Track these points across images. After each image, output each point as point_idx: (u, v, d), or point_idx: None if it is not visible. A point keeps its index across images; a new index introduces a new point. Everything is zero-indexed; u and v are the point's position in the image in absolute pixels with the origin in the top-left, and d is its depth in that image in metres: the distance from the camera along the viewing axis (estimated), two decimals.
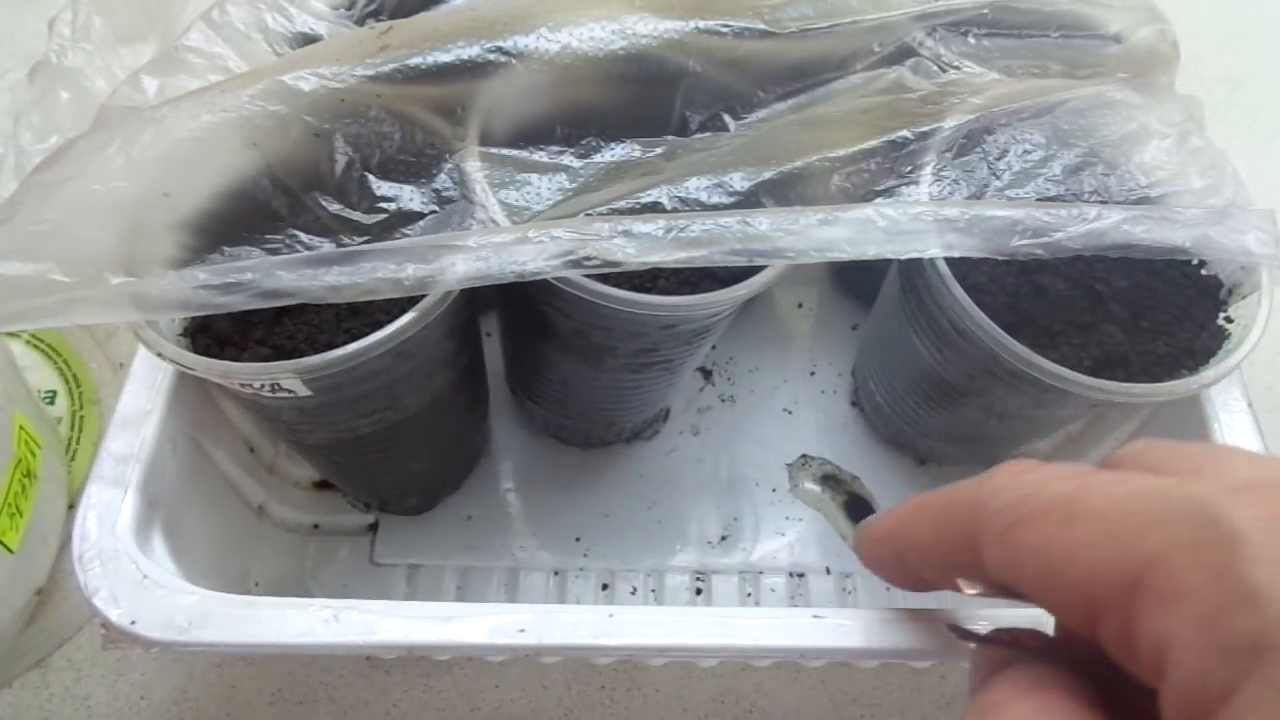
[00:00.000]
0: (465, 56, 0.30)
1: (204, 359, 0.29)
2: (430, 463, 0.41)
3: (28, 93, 0.28)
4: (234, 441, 0.41)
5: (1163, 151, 0.33)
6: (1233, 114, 0.62)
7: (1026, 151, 0.33)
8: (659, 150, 0.31)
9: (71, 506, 0.44)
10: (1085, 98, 0.33)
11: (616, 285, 0.30)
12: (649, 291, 0.30)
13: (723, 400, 0.48)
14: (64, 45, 0.29)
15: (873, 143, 0.31)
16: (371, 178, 0.29)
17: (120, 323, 0.27)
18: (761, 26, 0.32)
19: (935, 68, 0.33)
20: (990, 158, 0.32)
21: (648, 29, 0.31)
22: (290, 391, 0.30)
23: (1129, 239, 0.28)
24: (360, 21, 0.34)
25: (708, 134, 0.32)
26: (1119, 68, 0.34)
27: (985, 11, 0.34)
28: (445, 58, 0.30)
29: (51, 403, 0.46)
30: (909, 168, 0.31)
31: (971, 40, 0.34)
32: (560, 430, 0.46)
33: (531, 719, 0.40)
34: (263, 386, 0.29)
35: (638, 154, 0.31)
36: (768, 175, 0.29)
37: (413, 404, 0.34)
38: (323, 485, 0.45)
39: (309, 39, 0.32)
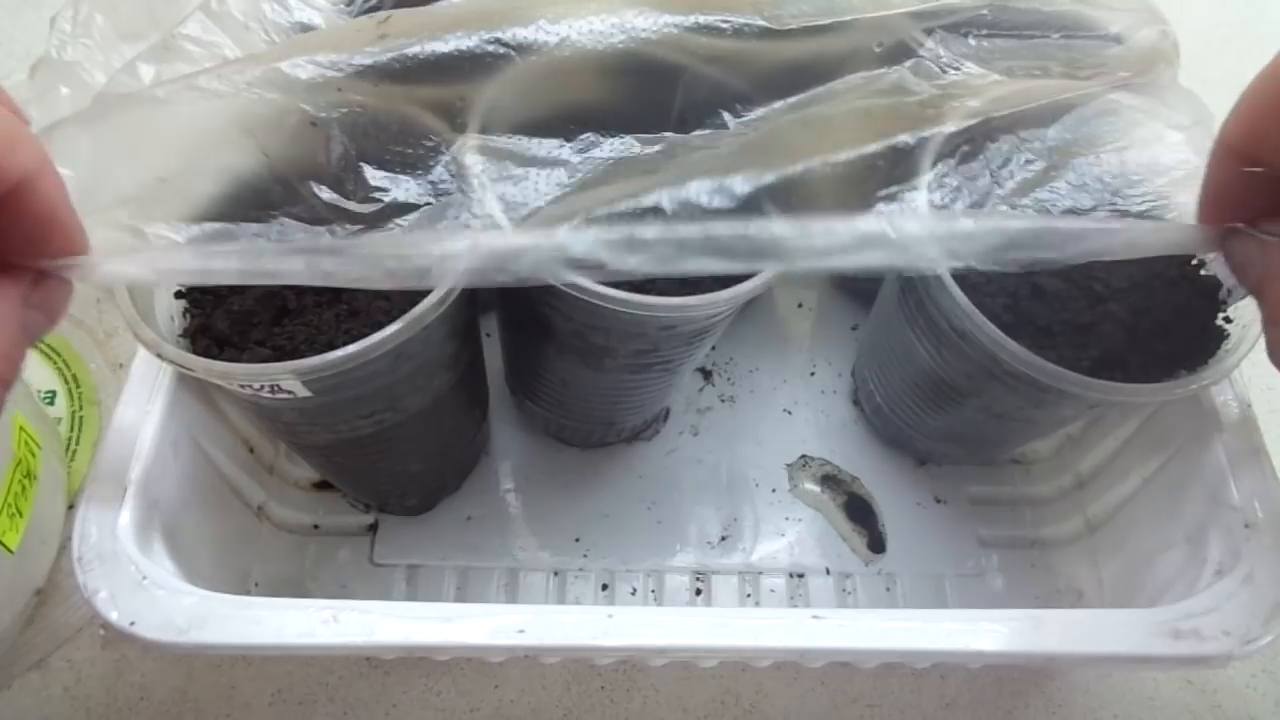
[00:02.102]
0: (464, 48, 0.30)
1: (203, 360, 0.29)
2: (430, 463, 0.41)
3: (28, 89, 0.28)
4: (234, 442, 0.41)
5: (1166, 154, 0.33)
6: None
7: (1029, 160, 0.33)
8: (658, 147, 0.31)
9: (71, 507, 0.44)
10: (1089, 100, 0.33)
11: (615, 286, 0.30)
12: (648, 292, 0.30)
13: (722, 401, 0.48)
14: (64, 40, 0.29)
15: (873, 147, 0.31)
16: (367, 167, 0.29)
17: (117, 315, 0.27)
18: (761, 23, 0.32)
19: (936, 69, 0.33)
20: (993, 164, 0.32)
21: (647, 24, 0.31)
22: (290, 392, 0.30)
23: (1136, 246, 0.28)
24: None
25: (707, 131, 0.32)
26: (1120, 68, 0.34)
27: (984, 12, 0.34)
28: (444, 49, 0.30)
29: (51, 403, 0.46)
30: (910, 173, 0.31)
31: (972, 41, 0.34)
32: (560, 431, 0.46)
33: (531, 719, 0.40)
34: (262, 388, 0.29)
35: (636, 150, 0.31)
36: (768, 179, 0.29)
37: (412, 405, 0.34)
38: (322, 486, 0.45)
39: (306, 30, 0.32)
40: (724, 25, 0.31)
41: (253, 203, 0.28)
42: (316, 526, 0.44)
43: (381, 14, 0.30)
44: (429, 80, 0.30)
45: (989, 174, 0.32)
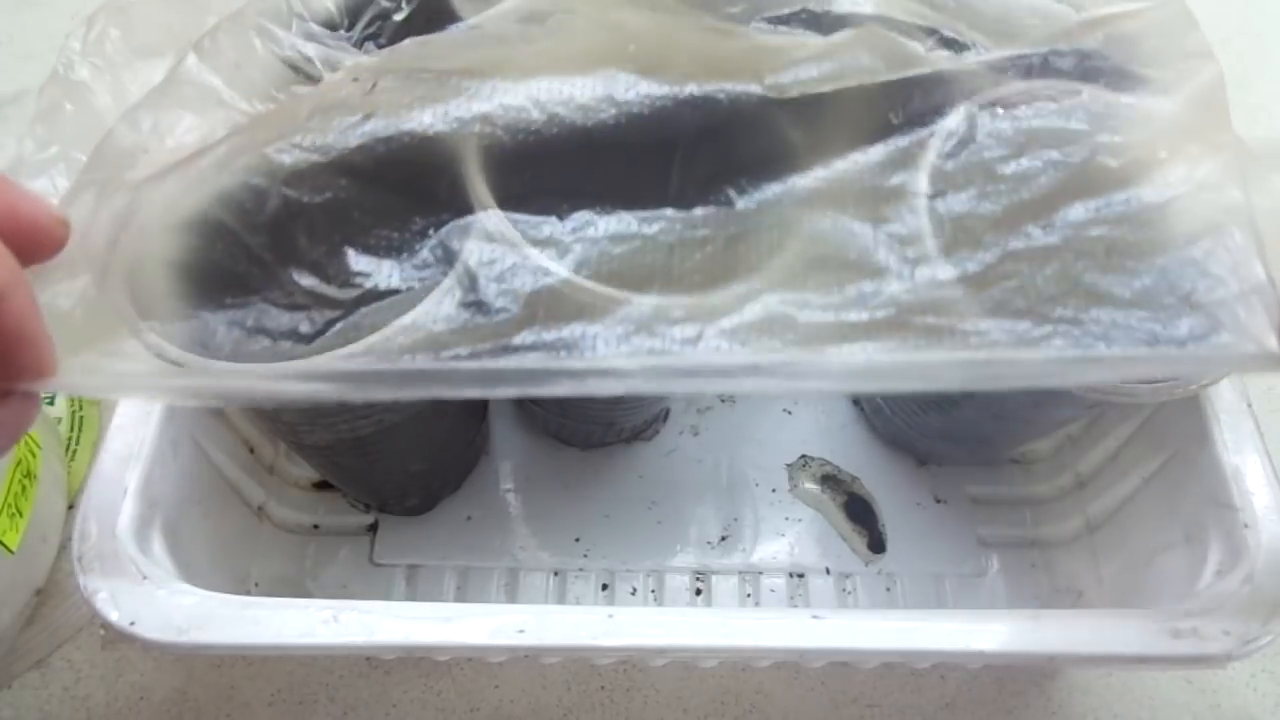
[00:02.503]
0: (451, 129, 0.29)
1: (204, 360, 0.29)
2: (430, 463, 0.41)
3: (35, 105, 0.29)
4: (234, 442, 0.41)
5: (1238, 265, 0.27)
6: (1233, 114, 0.61)
7: (1075, 257, 0.27)
8: (658, 226, 0.29)
9: (71, 507, 0.44)
10: (1138, 190, 0.29)
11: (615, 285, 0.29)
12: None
13: (723, 400, 0.48)
14: (72, 60, 0.30)
15: (881, 237, 0.28)
16: (350, 252, 0.28)
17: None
18: (759, 92, 0.30)
19: (952, 140, 0.30)
20: (1033, 256, 0.28)
21: (639, 96, 0.30)
22: None
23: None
24: (359, 44, 0.33)
25: (710, 208, 0.30)
26: (1166, 143, 0.30)
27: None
28: (431, 132, 0.29)
29: (51, 403, 0.46)
30: (920, 268, 0.28)
31: (1003, 123, 0.30)
32: (560, 430, 0.46)
33: (531, 719, 0.40)
34: None
35: (635, 228, 0.29)
36: (787, 295, 0.27)
37: (412, 404, 0.34)
38: (322, 486, 0.45)
39: (303, 59, 0.32)
40: (720, 96, 0.30)
41: (233, 289, 0.28)
42: (316, 526, 0.44)
43: (370, 74, 0.30)
44: (416, 160, 0.29)
45: (1022, 273, 0.27)
